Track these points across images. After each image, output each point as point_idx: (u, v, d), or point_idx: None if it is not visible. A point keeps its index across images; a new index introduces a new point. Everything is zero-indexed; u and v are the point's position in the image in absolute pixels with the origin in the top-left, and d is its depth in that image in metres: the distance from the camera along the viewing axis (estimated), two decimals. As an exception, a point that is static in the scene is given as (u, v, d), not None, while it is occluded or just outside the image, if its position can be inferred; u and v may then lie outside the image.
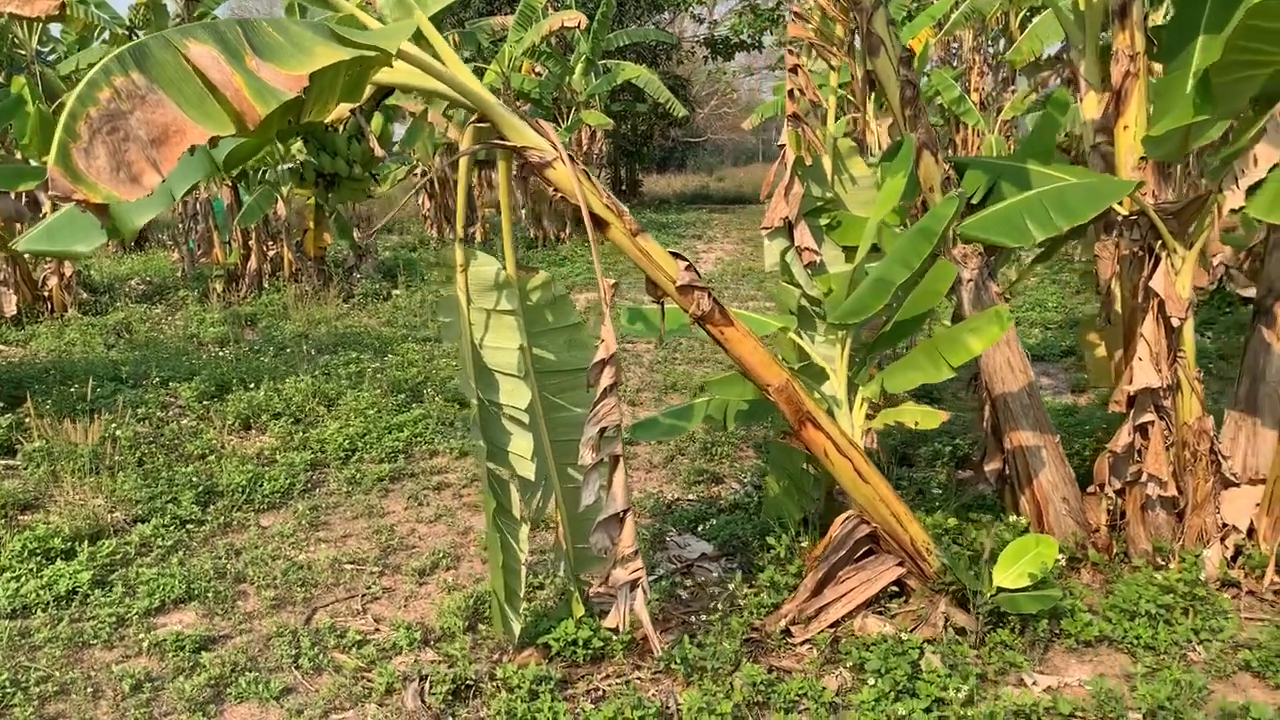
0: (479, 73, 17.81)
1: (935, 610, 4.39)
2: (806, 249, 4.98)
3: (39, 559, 5.44)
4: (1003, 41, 19.48)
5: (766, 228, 5.05)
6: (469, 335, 4.09)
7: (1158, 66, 5.03)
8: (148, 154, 2.27)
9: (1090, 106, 5.43)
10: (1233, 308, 10.55)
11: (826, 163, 5.25)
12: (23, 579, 5.18)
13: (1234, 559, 4.92)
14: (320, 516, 6.24)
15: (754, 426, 7.23)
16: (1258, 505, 4.90)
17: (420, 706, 4.03)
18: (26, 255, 12.09)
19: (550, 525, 4.64)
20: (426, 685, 4.13)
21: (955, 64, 19.50)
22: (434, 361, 9.85)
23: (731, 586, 4.80)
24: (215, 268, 14.80)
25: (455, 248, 4.03)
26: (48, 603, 5.00)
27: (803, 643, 4.42)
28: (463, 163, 4.04)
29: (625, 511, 3.79)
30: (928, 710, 3.81)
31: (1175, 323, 4.79)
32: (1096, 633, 4.40)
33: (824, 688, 4.01)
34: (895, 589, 4.58)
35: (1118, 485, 5.09)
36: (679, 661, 4.18)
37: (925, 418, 4.31)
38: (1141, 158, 4.90)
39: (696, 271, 3.97)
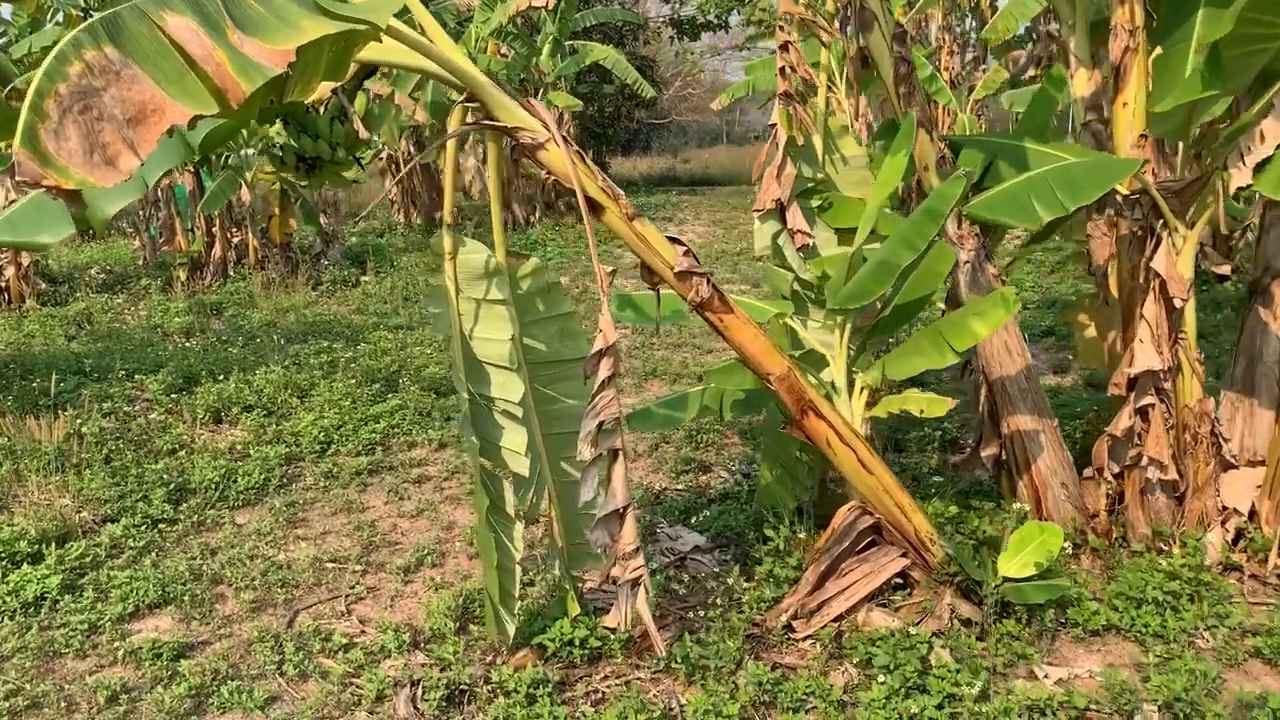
0: (445, 54, 17.41)
1: (940, 602, 4.28)
2: (799, 231, 4.84)
3: (4, 563, 5.18)
4: (969, 20, 19.45)
5: (758, 210, 4.90)
6: (458, 326, 3.91)
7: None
8: (124, 135, 2.07)
9: (1081, 83, 5.31)
10: (1209, 285, 10.55)
11: (817, 142, 5.10)
12: (-13, 585, 4.93)
13: (1235, 542, 4.86)
14: (298, 513, 6.03)
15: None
16: (1258, 488, 4.85)
17: (413, 713, 3.86)
18: (-19, 245, 11.67)
19: (541, 520, 4.47)
20: (419, 691, 3.96)
21: (925, 44, 19.42)
22: (407, 350, 9.61)
23: (730, 580, 4.66)
24: (178, 255, 14.44)
25: (443, 234, 3.85)
26: (15, 610, 4.76)
27: (806, 638, 4.30)
28: (450, 145, 3.85)
29: (626, 507, 3.63)
30: (940, 707, 3.69)
31: (1177, 303, 4.70)
32: (1104, 621, 4.31)
33: (831, 685, 3.89)
34: (898, 581, 4.46)
35: (1116, 469, 5.01)
36: (680, 660, 4.04)
37: (931, 405, 4.18)
38: (1141, 135, 4.80)
39: (695, 257, 3.82)
